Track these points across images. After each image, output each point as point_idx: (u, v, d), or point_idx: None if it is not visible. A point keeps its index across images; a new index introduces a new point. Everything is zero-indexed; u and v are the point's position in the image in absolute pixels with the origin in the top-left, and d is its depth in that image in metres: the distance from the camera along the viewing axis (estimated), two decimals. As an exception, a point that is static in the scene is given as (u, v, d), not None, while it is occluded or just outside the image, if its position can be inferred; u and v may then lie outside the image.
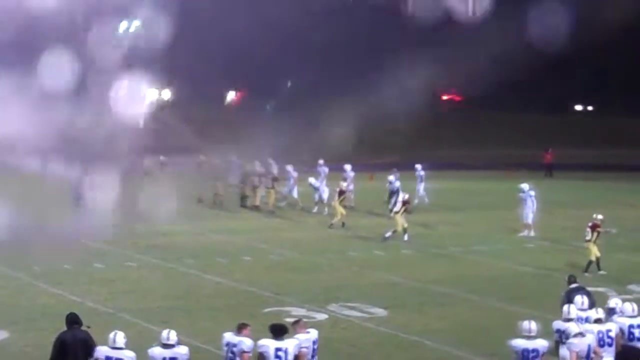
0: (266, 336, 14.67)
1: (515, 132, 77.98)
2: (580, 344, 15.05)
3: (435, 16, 48.21)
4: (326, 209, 38.57)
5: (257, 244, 31.58)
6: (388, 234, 32.20)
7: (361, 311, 22.42)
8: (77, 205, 35.71)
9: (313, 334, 15.20)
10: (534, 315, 17.59)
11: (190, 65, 58.47)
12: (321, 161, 42.08)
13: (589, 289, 19.11)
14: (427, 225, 35.96)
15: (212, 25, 54.46)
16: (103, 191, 32.42)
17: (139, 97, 44.92)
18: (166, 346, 14.44)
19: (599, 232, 27.38)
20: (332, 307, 22.69)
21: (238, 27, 56.54)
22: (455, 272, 27.65)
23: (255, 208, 39.70)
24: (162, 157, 50.62)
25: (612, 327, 15.88)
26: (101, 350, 14.43)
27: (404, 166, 43.61)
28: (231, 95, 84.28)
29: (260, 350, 14.51)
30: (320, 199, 39.48)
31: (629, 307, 16.40)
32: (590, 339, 15.22)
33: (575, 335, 15.17)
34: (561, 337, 15.78)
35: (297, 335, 14.94)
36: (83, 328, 15.16)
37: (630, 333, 16.13)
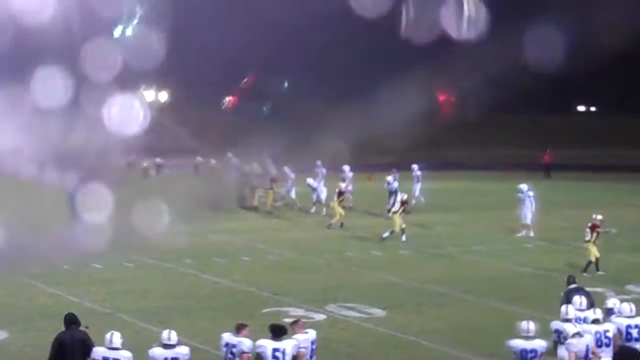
0: (265, 336, 14.67)
1: (514, 133, 78.02)
2: (578, 344, 15.05)
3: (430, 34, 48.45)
4: (324, 209, 38.58)
5: (256, 244, 31.59)
6: (385, 235, 32.21)
7: (359, 311, 22.42)
8: (74, 217, 35.37)
9: (311, 334, 15.20)
10: (533, 315, 17.59)
11: (187, 67, 58.56)
12: (319, 162, 42.11)
13: (587, 289, 19.11)
14: (425, 226, 35.96)
15: (209, 28, 54.52)
16: (97, 204, 32.12)
17: (133, 111, 44.97)
18: (167, 346, 14.43)
19: (598, 233, 27.38)
20: (331, 307, 22.69)
21: (235, 29, 56.58)
22: (453, 272, 27.64)
23: (254, 208, 39.74)
24: (158, 159, 50.66)
25: (610, 328, 15.88)
26: (98, 351, 14.42)
27: (402, 166, 43.61)
28: (228, 98, 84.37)
29: (257, 350, 14.51)
30: (319, 200, 39.50)
31: (627, 307, 16.39)
32: (588, 339, 15.23)
33: (574, 336, 15.17)
34: (559, 338, 15.79)
35: (295, 336, 14.93)
36: (81, 328, 15.15)
37: (628, 333, 16.12)
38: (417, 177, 42.82)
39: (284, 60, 65.90)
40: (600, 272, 26.96)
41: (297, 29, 52.24)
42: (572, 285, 18.94)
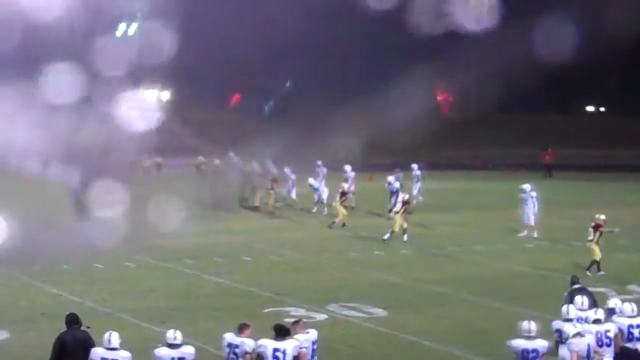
0: (267, 336, 14.66)
1: (515, 133, 77.99)
2: (580, 344, 15.04)
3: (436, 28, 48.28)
4: (326, 209, 38.59)
5: (257, 244, 31.58)
6: (386, 236, 32.14)
7: (361, 311, 22.41)
8: (79, 214, 35.30)
9: (313, 334, 15.18)
10: (534, 315, 17.57)
11: (190, 66, 58.49)
12: (320, 162, 42.09)
13: (589, 289, 19.10)
14: (426, 226, 35.95)
15: (212, 26, 54.47)
16: (104, 201, 32.11)
17: (144, 106, 44.85)
18: (173, 346, 14.40)
19: (601, 232, 27.37)
20: (332, 307, 22.68)
21: (238, 27, 56.54)
22: (454, 272, 27.62)
23: (255, 208, 39.74)
24: (158, 159, 50.58)
25: (611, 328, 15.87)
26: (97, 352, 14.35)
27: (402, 166, 43.60)
28: (230, 97, 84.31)
29: (258, 350, 14.49)
30: (320, 200, 39.50)
31: (629, 307, 16.39)
32: (589, 339, 15.23)
33: (574, 336, 15.17)
34: (561, 337, 15.78)
35: (296, 336, 14.91)
36: (83, 328, 15.15)
37: (630, 333, 16.12)
38: (417, 176, 42.83)
39: (287, 60, 65.85)
40: (601, 272, 26.93)
41: (300, 28, 52.19)
42: (576, 286, 18.95)
